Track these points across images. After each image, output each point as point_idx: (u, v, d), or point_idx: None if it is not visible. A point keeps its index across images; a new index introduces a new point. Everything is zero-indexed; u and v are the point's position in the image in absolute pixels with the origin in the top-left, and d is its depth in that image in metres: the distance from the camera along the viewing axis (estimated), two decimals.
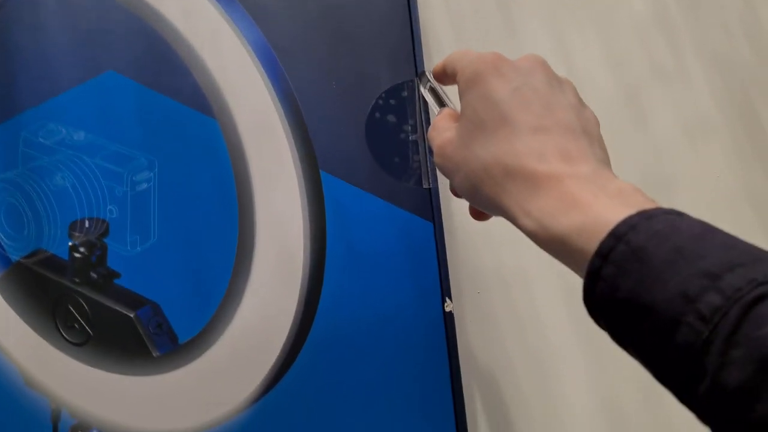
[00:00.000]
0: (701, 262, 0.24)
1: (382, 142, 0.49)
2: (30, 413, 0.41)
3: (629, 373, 0.57)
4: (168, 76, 0.48)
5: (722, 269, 0.24)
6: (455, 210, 0.53)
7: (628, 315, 0.26)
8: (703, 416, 0.25)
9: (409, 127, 0.50)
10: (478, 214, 0.38)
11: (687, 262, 0.24)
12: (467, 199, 0.35)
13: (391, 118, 0.50)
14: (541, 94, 0.33)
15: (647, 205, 0.28)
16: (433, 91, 0.40)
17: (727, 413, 0.23)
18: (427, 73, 0.40)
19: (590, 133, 0.33)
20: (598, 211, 0.28)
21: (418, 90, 0.50)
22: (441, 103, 0.40)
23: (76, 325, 0.43)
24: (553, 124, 0.32)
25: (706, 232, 0.26)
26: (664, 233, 0.26)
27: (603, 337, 0.58)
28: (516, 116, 0.32)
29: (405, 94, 0.51)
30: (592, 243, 0.27)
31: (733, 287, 0.23)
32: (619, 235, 0.26)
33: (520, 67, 0.34)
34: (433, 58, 0.59)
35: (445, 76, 0.38)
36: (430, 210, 0.49)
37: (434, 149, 0.36)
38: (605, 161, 0.32)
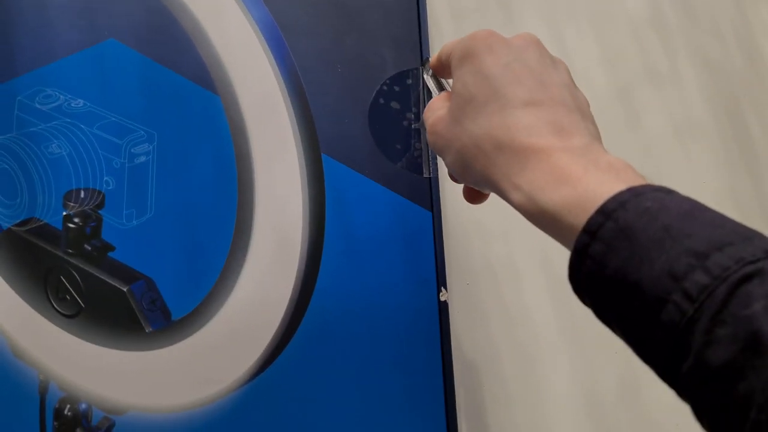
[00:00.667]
0: (688, 241, 0.24)
1: (384, 128, 0.49)
2: (18, 384, 0.40)
3: (612, 366, 0.58)
4: (171, 48, 0.47)
5: (710, 248, 0.24)
6: (447, 199, 0.53)
7: (615, 293, 0.26)
8: (684, 394, 0.25)
9: (412, 115, 0.50)
10: (472, 196, 0.37)
11: (674, 240, 0.24)
12: (459, 177, 0.35)
13: (394, 104, 0.50)
14: (533, 70, 0.33)
15: (637, 181, 0.27)
16: (435, 78, 0.40)
17: (709, 391, 0.23)
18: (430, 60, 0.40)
19: (582, 110, 0.33)
20: (588, 185, 0.27)
21: (422, 78, 0.50)
22: (441, 88, 0.40)
23: (68, 297, 0.42)
24: (546, 99, 0.32)
25: (695, 209, 0.26)
26: (653, 211, 0.25)
27: (587, 330, 0.59)
28: (507, 90, 0.32)
29: (409, 81, 0.50)
30: (581, 218, 0.27)
31: (720, 266, 0.23)
32: (607, 212, 0.26)
33: (512, 44, 0.34)
34: (434, 52, 0.59)
35: (441, 65, 0.38)
36: (429, 199, 0.49)
37: (427, 128, 0.36)
38: (597, 137, 0.32)
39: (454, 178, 0.36)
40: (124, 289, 0.43)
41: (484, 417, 0.56)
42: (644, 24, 0.70)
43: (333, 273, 0.46)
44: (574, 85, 0.35)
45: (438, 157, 0.49)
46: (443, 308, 0.47)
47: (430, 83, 0.40)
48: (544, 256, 0.59)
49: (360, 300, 0.46)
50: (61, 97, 0.45)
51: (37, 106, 0.45)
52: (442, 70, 0.39)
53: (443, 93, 0.38)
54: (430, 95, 0.50)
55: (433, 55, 0.39)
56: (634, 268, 0.25)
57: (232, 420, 0.42)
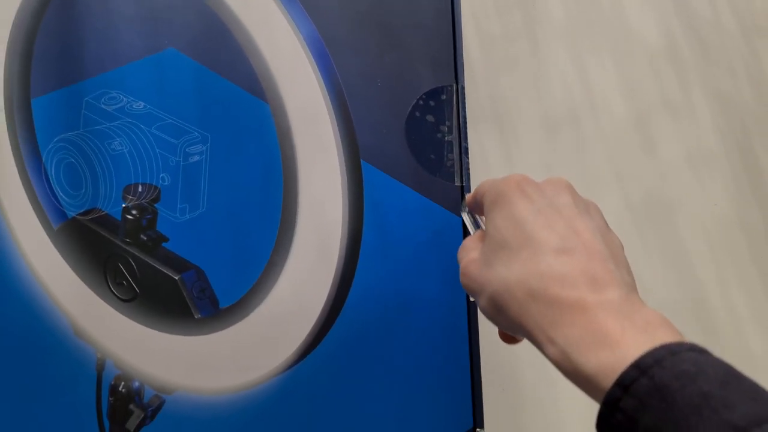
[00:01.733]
0: (728, 414, 0.24)
1: (419, 139, 0.53)
2: (77, 361, 0.43)
3: None
4: (225, 58, 0.51)
5: (750, 424, 0.23)
6: None
7: None
8: None
9: (446, 128, 0.54)
10: (508, 337, 0.37)
11: (713, 410, 0.24)
12: (492, 321, 0.34)
13: (429, 118, 0.54)
14: (565, 215, 0.33)
15: (674, 337, 0.27)
16: (471, 215, 0.41)
17: None
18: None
19: (616, 256, 0.32)
20: (626, 349, 0.27)
21: (457, 102, 0.54)
22: (477, 226, 0.41)
23: (125, 282, 0.45)
24: (579, 246, 0.31)
25: (731, 377, 0.25)
26: (690, 374, 0.25)
27: None
28: (540, 236, 0.31)
29: (444, 97, 0.54)
30: (615, 376, 0.27)
31: None
32: (643, 367, 0.26)
33: (544, 189, 0.34)
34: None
35: (476, 203, 0.39)
36: (460, 206, 0.52)
37: (460, 269, 0.35)
38: (632, 286, 0.31)
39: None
40: (176, 278, 0.46)
41: (511, 415, 0.58)
42: (661, 57, 0.74)
43: (369, 272, 0.49)
44: (607, 227, 0.35)
45: (469, 167, 0.53)
46: (473, 307, 0.50)
47: (467, 220, 0.41)
48: None
49: (393, 298, 0.49)
50: (124, 99, 0.49)
51: (103, 106, 0.49)
52: (477, 209, 0.39)
53: (478, 232, 0.38)
54: (464, 111, 0.54)
55: (470, 193, 0.40)
56: (669, 430, 0.24)
57: (269, 406, 0.45)
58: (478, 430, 0.47)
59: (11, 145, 0.46)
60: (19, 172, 0.46)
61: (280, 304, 0.47)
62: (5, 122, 0.46)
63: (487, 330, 0.55)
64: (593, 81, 0.72)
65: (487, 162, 0.68)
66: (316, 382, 0.45)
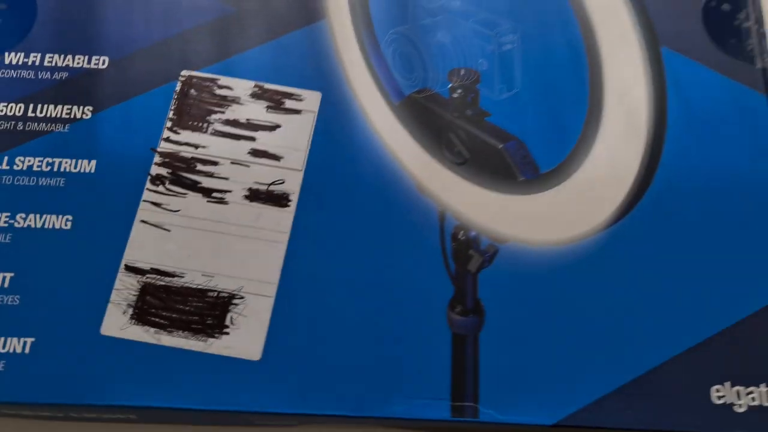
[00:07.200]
0: None
1: (718, 26, 0.55)
2: (423, 213, 0.48)
3: None
4: None
5: None
6: None
7: None
8: None
9: (744, 15, 0.55)
10: None
11: None
12: None
13: (725, 7, 0.55)
14: None
15: None
16: None
17: None
18: None
19: None
20: None
21: (755, 5, 0.55)
22: None
23: (456, 149, 0.51)
24: None
25: None
26: None
27: None
28: None
29: None
30: None
31: None
32: None
33: None
34: None
35: None
36: (764, 86, 0.53)
37: None
38: None
39: None
40: (500, 146, 0.51)
41: None
42: None
43: (676, 145, 0.51)
44: None
45: None
46: None
47: None
48: None
49: (701, 171, 0.51)
50: None
51: (425, 4, 0.55)
52: None
53: None
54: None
55: None
56: None
57: (593, 257, 0.48)
58: None
59: (356, 37, 0.54)
60: (364, 60, 0.54)
61: (596, 169, 0.50)
62: (351, 19, 0.54)
63: None
64: None
65: None
66: (635, 239, 0.48)
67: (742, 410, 0.45)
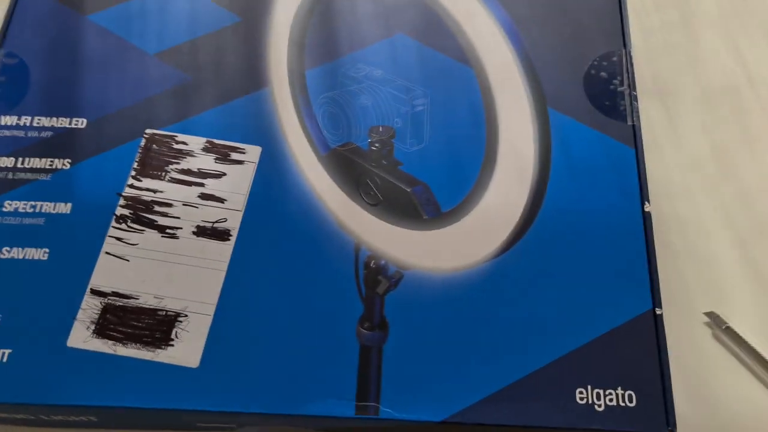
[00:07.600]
0: None
1: (595, 90, 0.65)
2: (341, 246, 0.58)
3: None
4: (439, 38, 0.68)
5: None
6: (646, 141, 0.67)
7: None
8: None
9: (618, 82, 0.66)
10: None
11: None
12: None
13: (603, 74, 0.66)
14: None
15: None
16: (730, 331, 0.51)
17: None
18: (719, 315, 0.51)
19: None
20: None
21: (626, 63, 0.66)
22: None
23: (371, 192, 0.61)
24: None
25: None
26: None
27: None
28: None
29: (615, 58, 0.67)
30: None
31: None
32: None
33: None
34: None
35: None
36: (633, 140, 0.63)
37: None
38: None
39: None
40: (409, 190, 0.61)
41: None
42: None
43: (556, 189, 0.61)
44: None
45: (638, 111, 0.64)
46: (647, 217, 0.60)
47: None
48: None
49: (576, 211, 0.60)
50: (367, 68, 0.67)
51: (352, 74, 0.66)
52: None
53: None
54: (632, 70, 0.65)
55: None
56: None
57: (483, 282, 0.57)
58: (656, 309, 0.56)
59: (292, 101, 0.65)
60: (298, 119, 0.64)
61: (488, 209, 0.60)
62: (289, 87, 0.65)
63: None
64: (750, 63, 0.80)
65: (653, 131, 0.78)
66: (517, 269, 0.57)
67: (601, 409, 0.53)
